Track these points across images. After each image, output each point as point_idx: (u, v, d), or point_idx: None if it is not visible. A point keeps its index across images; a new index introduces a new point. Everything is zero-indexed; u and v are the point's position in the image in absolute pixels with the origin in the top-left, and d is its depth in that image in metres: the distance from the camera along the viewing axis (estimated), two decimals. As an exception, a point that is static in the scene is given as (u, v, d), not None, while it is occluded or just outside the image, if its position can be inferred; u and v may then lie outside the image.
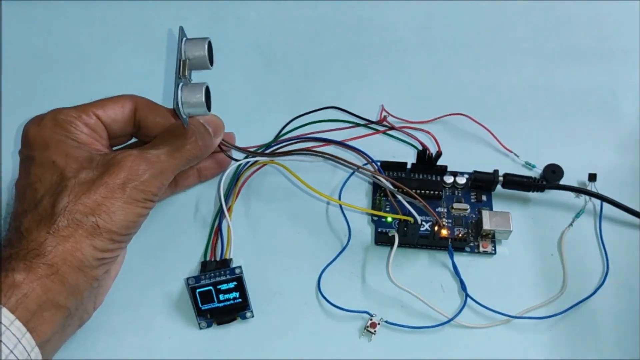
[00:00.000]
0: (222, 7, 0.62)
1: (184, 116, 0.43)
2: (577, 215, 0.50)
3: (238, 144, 0.50)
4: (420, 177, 0.51)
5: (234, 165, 0.50)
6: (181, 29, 0.43)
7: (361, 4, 0.63)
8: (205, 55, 0.43)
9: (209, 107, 0.43)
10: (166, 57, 0.58)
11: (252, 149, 0.51)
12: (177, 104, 0.42)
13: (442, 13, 0.62)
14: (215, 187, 0.51)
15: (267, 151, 0.51)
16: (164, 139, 0.44)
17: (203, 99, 0.42)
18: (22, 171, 0.42)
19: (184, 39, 0.43)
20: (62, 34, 0.60)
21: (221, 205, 0.48)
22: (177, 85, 0.42)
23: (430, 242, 0.48)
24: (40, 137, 0.42)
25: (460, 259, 0.48)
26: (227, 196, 0.50)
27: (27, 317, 0.36)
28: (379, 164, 0.50)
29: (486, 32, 0.60)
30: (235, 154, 0.50)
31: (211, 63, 0.44)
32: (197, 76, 0.45)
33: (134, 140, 0.48)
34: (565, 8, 0.61)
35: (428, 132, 0.53)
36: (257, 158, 0.50)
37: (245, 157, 0.50)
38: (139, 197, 0.41)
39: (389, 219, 0.48)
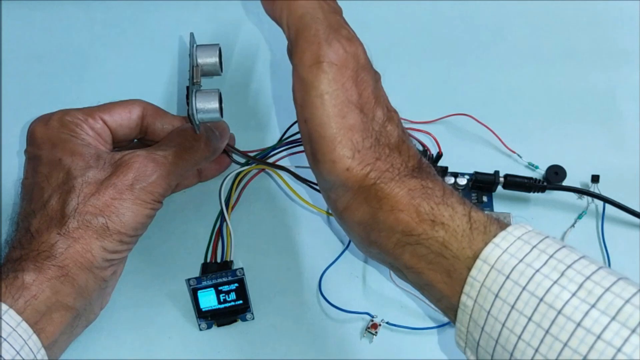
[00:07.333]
0: (223, 8, 0.62)
1: (197, 122, 0.42)
2: (580, 217, 0.50)
3: (242, 147, 0.50)
4: (421, 178, 0.51)
5: (235, 168, 0.50)
6: (192, 36, 0.43)
7: (361, 5, 0.62)
8: (216, 61, 0.43)
9: (221, 114, 0.42)
10: (171, 60, 0.58)
11: (254, 153, 0.51)
12: (192, 111, 0.41)
13: (442, 14, 0.62)
14: (216, 188, 0.51)
15: (270, 153, 0.52)
16: (171, 141, 0.44)
17: (217, 105, 0.42)
18: (28, 170, 0.42)
19: (195, 45, 0.43)
20: (62, 34, 0.60)
21: (222, 207, 0.48)
22: (191, 92, 0.42)
23: (431, 243, 0.48)
24: (47, 136, 0.42)
25: (461, 260, 0.48)
26: (228, 198, 0.49)
27: (35, 318, 0.36)
28: (379, 165, 0.50)
29: (487, 33, 0.60)
30: (237, 158, 0.50)
31: (221, 69, 0.44)
32: (205, 82, 0.45)
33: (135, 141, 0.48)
34: (565, 8, 0.60)
35: (428, 133, 0.52)
36: (260, 166, 0.50)
37: (246, 163, 0.50)
38: (147, 198, 0.41)
39: (390, 220, 0.48)
